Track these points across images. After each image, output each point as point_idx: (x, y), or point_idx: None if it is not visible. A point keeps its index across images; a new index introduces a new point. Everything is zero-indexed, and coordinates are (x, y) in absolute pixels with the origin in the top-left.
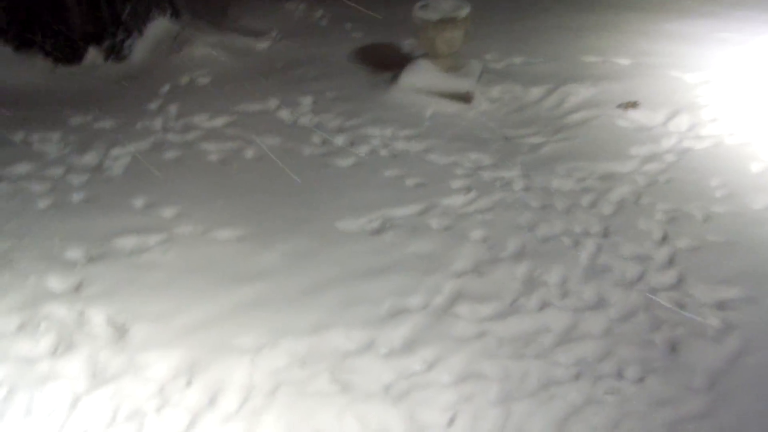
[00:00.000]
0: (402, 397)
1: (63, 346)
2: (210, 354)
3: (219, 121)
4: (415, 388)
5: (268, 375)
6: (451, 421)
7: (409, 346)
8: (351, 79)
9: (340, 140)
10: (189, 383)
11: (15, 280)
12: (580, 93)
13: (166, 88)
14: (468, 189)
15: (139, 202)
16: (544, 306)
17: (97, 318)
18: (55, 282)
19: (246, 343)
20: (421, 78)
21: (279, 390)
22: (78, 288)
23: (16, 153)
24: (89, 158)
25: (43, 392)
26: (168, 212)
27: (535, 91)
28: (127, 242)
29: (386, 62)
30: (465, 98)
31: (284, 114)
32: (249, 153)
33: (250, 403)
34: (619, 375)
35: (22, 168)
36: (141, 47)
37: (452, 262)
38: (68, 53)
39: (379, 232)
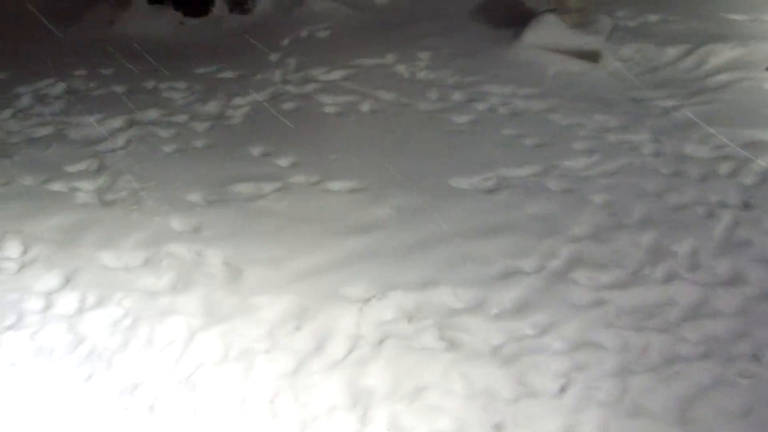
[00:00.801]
0: (511, 360)
1: (182, 283)
2: (319, 301)
3: (336, 75)
4: (526, 352)
5: (375, 326)
6: (563, 389)
7: (521, 309)
8: (471, 34)
9: (457, 96)
10: (298, 328)
11: (142, 219)
12: (724, 53)
13: (286, 41)
14: (591, 151)
15: (256, 151)
16: (670, 278)
17: (214, 259)
18: (177, 223)
19: (355, 293)
20: (545, 34)
21: (385, 342)
22: (197, 229)
23: (147, 100)
24: (212, 107)
25: (162, 325)
26: (284, 161)
27: (672, 51)
28: (243, 188)
29: (509, 18)
30: (592, 57)
31: (401, 69)
32: (365, 107)
33: (356, 352)
34: (755, 358)
35: (151, 114)
36: (264, 1)
37: (571, 226)
38: (196, 6)
39: (493, 191)
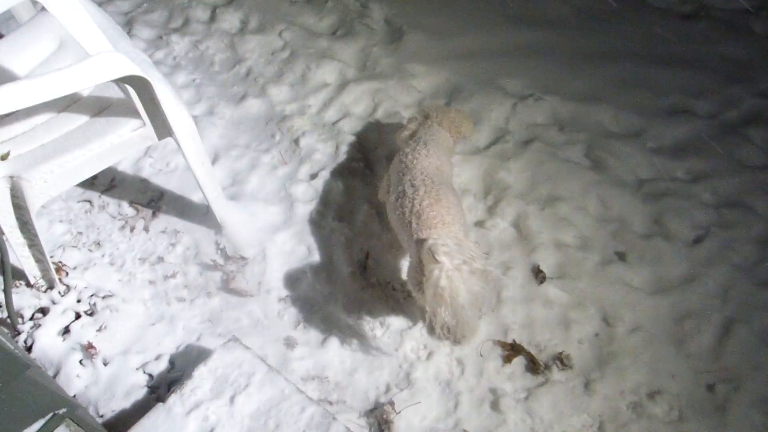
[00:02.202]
0: (654, 197)
1: (343, 30)
2: (474, 85)
3: None
4: (672, 194)
5: (525, 126)
6: (698, 240)
7: (679, 150)
8: None
9: None
10: (447, 104)
11: None
12: None
13: None
14: None
15: None
16: None
17: (378, 13)
18: None
19: (512, 87)
20: None
21: (532, 143)
22: None
23: None
24: None
25: (318, 66)
26: None
27: None
28: None
29: None
30: None
31: None
32: None
33: (500, 145)
34: None
35: None
36: None
37: (763, 79)
38: None
39: (690, 17)
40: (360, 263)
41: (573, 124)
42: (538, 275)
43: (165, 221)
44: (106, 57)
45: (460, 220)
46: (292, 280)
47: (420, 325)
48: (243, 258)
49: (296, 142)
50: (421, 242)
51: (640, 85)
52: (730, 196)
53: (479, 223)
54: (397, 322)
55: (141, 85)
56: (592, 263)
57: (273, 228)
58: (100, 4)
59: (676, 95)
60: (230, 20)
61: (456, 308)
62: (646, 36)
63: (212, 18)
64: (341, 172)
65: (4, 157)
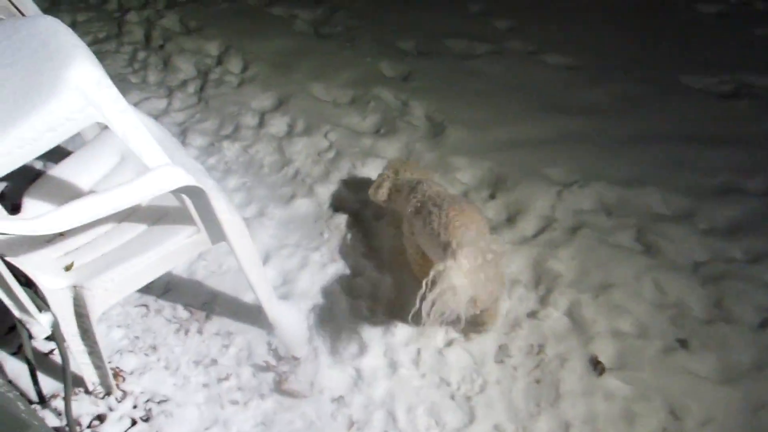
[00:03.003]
0: (712, 280)
1: (386, 127)
2: (517, 174)
3: None
4: (731, 276)
5: (571, 213)
6: (764, 324)
7: (734, 231)
8: None
9: None
10: (492, 196)
11: (354, 57)
12: None
13: None
14: None
15: (475, 7)
16: None
17: (419, 110)
18: (387, 67)
19: (555, 175)
20: None
21: (580, 230)
22: (406, 78)
23: None
24: None
25: (363, 164)
26: (501, 24)
27: None
28: (456, 44)
29: None
30: None
31: None
32: None
33: (548, 233)
34: None
35: None
36: None
37: None
38: None
39: (729, 97)
40: (413, 360)
41: (621, 208)
42: (597, 366)
43: (218, 323)
44: (165, 170)
45: (483, 227)
46: (345, 379)
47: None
48: (295, 358)
49: (344, 239)
50: (447, 245)
51: (685, 166)
52: None
53: (531, 314)
54: (453, 420)
55: (196, 193)
56: (653, 352)
57: (324, 326)
58: (157, 117)
59: (724, 174)
60: (278, 125)
61: (476, 300)
62: (686, 117)
63: (261, 123)
64: (389, 266)
65: (68, 268)
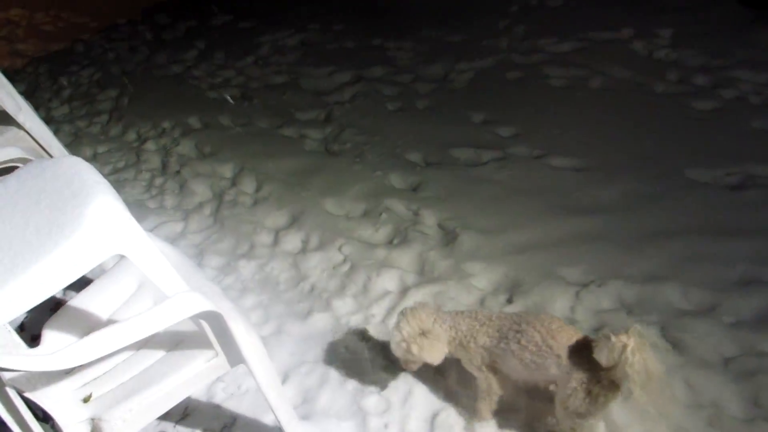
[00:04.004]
0: (745, 375)
1: (398, 238)
2: (534, 277)
3: (566, 46)
4: (764, 370)
5: (592, 313)
6: None
7: (762, 322)
8: (721, 12)
9: (700, 80)
10: (510, 301)
11: (364, 171)
12: None
13: (515, 7)
14: None
15: (477, 117)
16: None
17: (430, 220)
18: (397, 180)
19: (572, 276)
20: None
21: (602, 330)
22: (416, 188)
23: (373, 57)
24: (436, 69)
25: (378, 275)
26: (505, 131)
27: None
28: (463, 153)
29: None
30: None
31: (638, 45)
32: (595, 83)
33: None
34: None
35: (377, 71)
36: None
37: None
38: None
39: (737, 188)
40: None
41: (641, 306)
42: None
43: None
44: (182, 297)
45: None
46: None
47: None
48: None
49: (363, 352)
50: (587, 345)
51: (703, 259)
52: None
53: None
54: None
55: (213, 317)
56: None
57: None
58: (174, 240)
59: (744, 265)
60: (292, 241)
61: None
62: (698, 211)
63: (275, 241)
64: (410, 379)
65: (86, 400)
